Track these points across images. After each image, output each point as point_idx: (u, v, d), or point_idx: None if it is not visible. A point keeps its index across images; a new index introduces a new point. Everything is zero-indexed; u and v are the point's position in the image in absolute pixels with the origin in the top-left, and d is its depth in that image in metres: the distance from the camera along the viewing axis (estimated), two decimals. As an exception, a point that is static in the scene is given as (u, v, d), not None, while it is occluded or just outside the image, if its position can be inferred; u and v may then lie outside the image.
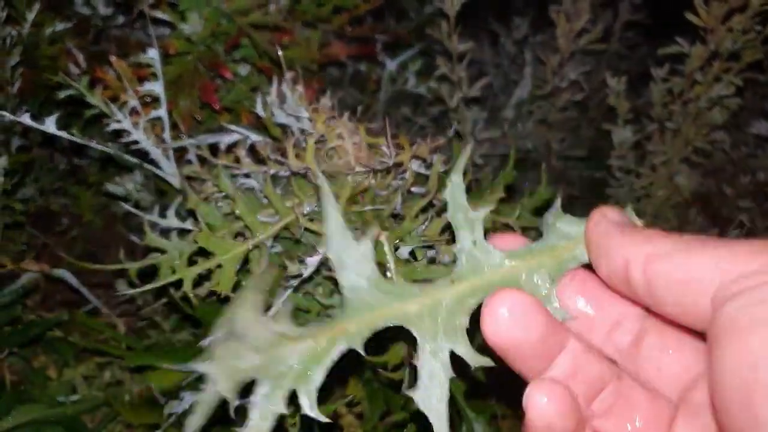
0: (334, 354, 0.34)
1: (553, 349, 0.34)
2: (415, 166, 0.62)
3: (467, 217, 0.37)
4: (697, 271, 0.29)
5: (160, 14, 0.88)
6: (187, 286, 0.60)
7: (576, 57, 1.20)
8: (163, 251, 0.63)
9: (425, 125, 1.23)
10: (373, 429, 0.69)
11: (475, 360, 0.35)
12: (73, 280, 0.89)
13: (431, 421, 0.34)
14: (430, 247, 0.60)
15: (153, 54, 0.75)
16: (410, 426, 0.63)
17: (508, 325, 0.33)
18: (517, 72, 1.37)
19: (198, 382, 0.68)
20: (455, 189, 0.37)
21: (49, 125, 0.68)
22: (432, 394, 0.34)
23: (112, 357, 0.84)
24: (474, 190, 0.74)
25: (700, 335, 0.34)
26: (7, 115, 0.72)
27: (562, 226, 0.37)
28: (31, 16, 0.96)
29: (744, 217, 1.06)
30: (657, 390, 0.35)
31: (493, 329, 0.33)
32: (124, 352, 0.80)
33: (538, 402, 0.33)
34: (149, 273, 0.65)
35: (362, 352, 0.34)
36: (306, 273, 0.58)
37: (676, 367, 0.35)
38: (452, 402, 0.57)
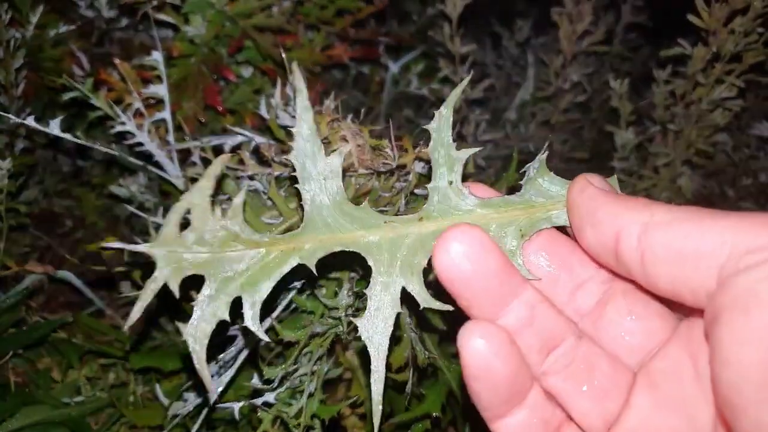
0: (286, 268, 0.33)
1: (507, 295, 0.33)
2: (419, 167, 0.62)
3: (449, 154, 0.36)
4: (702, 242, 0.27)
5: (163, 17, 0.88)
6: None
7: (578, 59, 1.20)
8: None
9: (428, 127, 1.23)
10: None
11: (426, 301, 0.34)
12: (77, 282, 0.89)
13: (369, 351, 0.33)
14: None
15: (157, 56, 0.76)
16: (415, 427, 0.63)
17: (460, 259, 0.31)
18: (519, 74, 1.37)
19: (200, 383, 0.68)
20: (443, 123, 0.37)
21: (54, 127, 0.68)
22: (376, 325, 0.33)
23: (116, 358, 0.84)
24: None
25: (668, 302, 0.34)
26: (12, 118, 0.72)
27: (543, 182, 0.36)
28: (34, 19, 0.97)
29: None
30: (617, 356, 0.34)
31: (444, 261, 0.31)
32: (129, 354, 0.80)
33: (471, 343, 0.31)
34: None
35: (314, 271, 0.33)
36: (310, 274, 0.58)
37: (638, 334, 0.34)
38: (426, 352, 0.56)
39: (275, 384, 0.60)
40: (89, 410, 0.80)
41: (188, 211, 0.33)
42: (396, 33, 1.31)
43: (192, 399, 0.66)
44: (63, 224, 1.08)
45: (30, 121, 0.68)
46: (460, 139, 1.12)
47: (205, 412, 0.62)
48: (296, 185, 0.34)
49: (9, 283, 0.88)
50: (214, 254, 0.32)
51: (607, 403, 0.33)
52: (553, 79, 1.19)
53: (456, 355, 0.59)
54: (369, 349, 0.33)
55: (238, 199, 0.33)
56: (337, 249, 0.34)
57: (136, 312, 0.32)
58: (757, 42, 0.88)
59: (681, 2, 0.92)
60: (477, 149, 0.38)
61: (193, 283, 0.35)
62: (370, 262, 0.34)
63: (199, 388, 0.66)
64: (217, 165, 0.33)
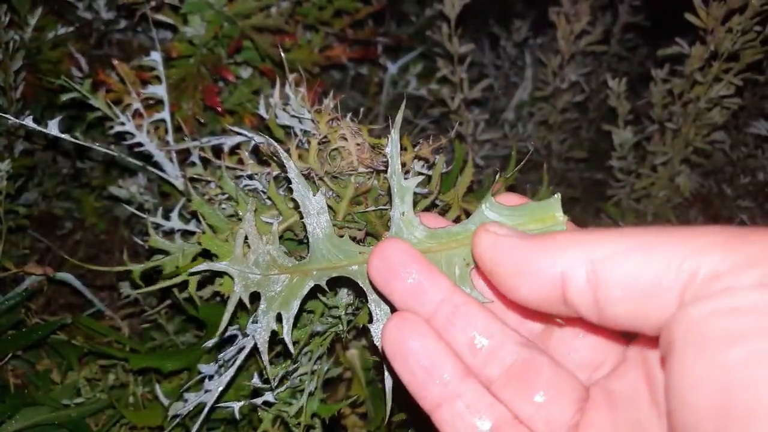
0: (305, 290, 0.40)
1: (432, 296, 0.34)
2: (418, 166, 0.62)
3: (399, 184, 0.38)
4: (658, 273, 0.25)
5: (162, 17, 0.88)
6: (191, 288, 0.60)
7: (576, 59, 1.21)
8: (166, 253, 0.64)
9: (426, 127, 1.24)
10: (376, 429, 0.69)
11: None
12: (76, 283, 0.89)
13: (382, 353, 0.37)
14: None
15: (155, 57, 0.76)
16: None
17: (387, 270, 0.35)
18: (517, 74, 1.38)
19: (201, 383, 0.68)
20: (393, 148, 0.39)
21: (52, 128, 0.68)
22: (379, 333, 0.38)
23: (116, 359, 0.84)
24: (476, 191, 0.74)
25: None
26: (11, 119, 0.73)
27: (486, 211, 0.36)
28: (33, 21, 0.97)
29: (745, 216, 1.07)
30: (570, 371, 0.34)
31: (374, 266, 0.35)
32: (128, 355, 0.80)
33: (387, 326, 0.34)
34: (153, 276, 0.65)
35: (325, 288, 0.40)
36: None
37: (587, 350, 0.34)
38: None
39: (275, 383, 0.60)
40: (89, 412, 0.80)
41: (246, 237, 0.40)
42: (394, 34, 1.31)
43: (192, 399, 0.66)
44: (62, 226, 1.08)
45: (29, 122, 0.68)
46: (459, 139, 1.13)
47: (205, 412, 0.62)
48: (303, 220, 0.40)
49: (8, 285, 0.88)
50: (264, 276, 0.40)
51: (554, 410, 0.32)
52: (551, 79, 1.20)
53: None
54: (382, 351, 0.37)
55: (274, 227, 0.41)
56: (335, 275, 0.40)
57: (223, 324, 0.41)
58: (754, 40, 0.88)
59: (678, 2, 0.92)
60: (420, 178, 0.40)
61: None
62: (360, 284, 0.39)
63: (200, 387, 0.66)
64: (253, 204, 0.41)
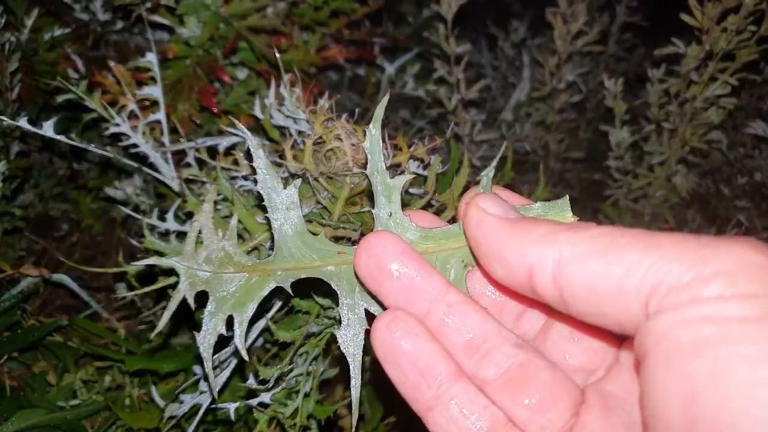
0: (265, 291, 0.36)
1: (428, 296, 0.33)
2: (413, 166, 0.62)
3: (384, 182, 0.35)
4: (620, 279, 0.26)
5: (158, 19, 0.88)
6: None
7: (573, 59, 1.21)
8: (162, 254, 0.64)
9: (424, 127, 1.24)
10: (373, 430, 0.69)
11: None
12: (73, 285, 0.89)
13: (348, 360, 0.36)
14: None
15: (151, 58, 0.76)
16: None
17: (376, 266, 0.33)
18: (515, 74, 1.38)
19: (197, 385, 0.68)
20: (374, 144, 0.35)
21: (47, 129, 0.68)
22: (349, 339, 0.36)
23: (112, 361, 0.84)
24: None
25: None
26: (6, 120, 0.72)
27: None
28: (29, 22, 0.97)
29: (742, 216, 1.07)
30: (566, 374, 0.33)
31: (362, 262, 0.33)
32: (124, 356, 0.80)
33: (377, 326, 0.32)
34: (149, 278, 0.65)
35: (290, 291, 0.36)
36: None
37: (581, 355, 0.34)
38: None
39: (271, 384, 0.60)
40: (85, 413, 0.80)
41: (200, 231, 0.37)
42: (391, 34, 1.31)
43: (188, 401, 0.66)
44: (59, 227, 1.08)
45: (24, 123, 0.68)
46: (456, 140, 1.13)
47: (200, 413, 0.62)
48: (266, 215, 0.37)
49: (4, 287, 0.88)
50: (215, 274, 0.36)
51: (550, 415, 0.32)
52: (549, 80, 1.20)
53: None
54: (347, 358, 0.35)
55: (233, 221, 0.36)
56: (304, 276, 0.36)
57: (163, 322, 0.37)
58: (749, 40, 0.88)
59: (675, 2, 0.92)
60: (410, 176, 0.37)
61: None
62: (334, 287, 0.36)
63: (197, 388, 0.66)
64: (213, 192, 0.37)
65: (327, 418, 0.61)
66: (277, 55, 0.68)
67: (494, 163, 0.36)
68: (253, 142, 0.37)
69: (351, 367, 0.35)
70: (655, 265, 0.25)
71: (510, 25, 1.41)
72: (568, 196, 0.34)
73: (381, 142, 0.36)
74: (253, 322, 0.64)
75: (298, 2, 0.98)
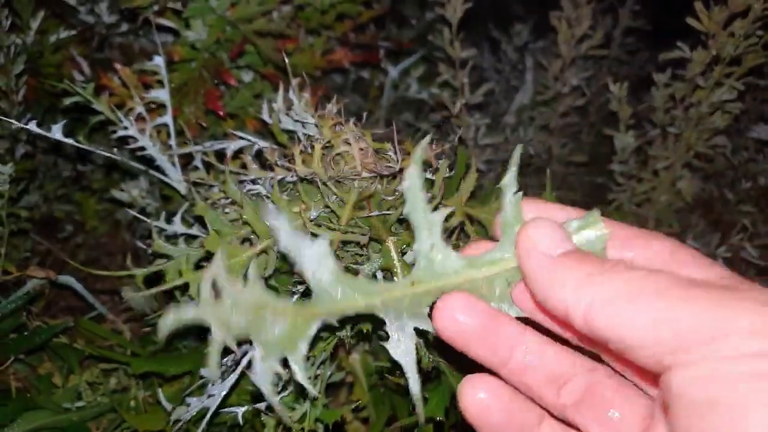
0: (313, 330, 0.36)
1: (505, 344, 0.35)
2: (421, 171, 0.62)
3: (426, 217, 0.35)
4: (641, 328, 0.27)
5: (164, 22, 0.89)
6: (193, 290, 0.60)
7: (577, 63, 1.21)
8: (169, 257, 0.64)
9: (427, 131, 1.24)
10: (379, 434, 0.69)
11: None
12: (78, 287, 0.89)
13: (404, 369, 0.36)
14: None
15: (158, 61, 0.76)
16: (418, 430, 0.63)
17: (453, 324, 0.34)
18: (518, 78, 1.38)
19: (204, 388, 0.68)
20: (413, 183, 0.35)
21: (56, 132, 0.68)
22: (401, 353, 0.36)
23: (118, 363, 0.84)
24: (477, 196, 0.74)
25: None
26: (13, 122, 0.73)
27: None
28: (35, 24, 0.97)
29: (746, 221, 1.07)
30: (636, 390, 0.34)
31: (441, 327, 0.35)
32: (130, 359, 0.80)
33: (468, 395, 0.35)
34: (155, 280, 0.65)
35: (336, 325, 0.36)
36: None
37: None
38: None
39: (278, 388, 0.60)
40: (90, 415, 0.80)
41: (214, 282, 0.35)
42: (396, 37, 1.32)
43: (194, 403, 0.66)
44: (64, 229, 1.08)
45: (32, 126, 0.68)
46: (461, 143, 1.13)
47: (208, 416, 0.62)
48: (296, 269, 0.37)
49: (10, 288, 0.88)
50: (251, 320, 0.35)
51: (623, 427, 0.33)
52: (552, 83, 1.20)
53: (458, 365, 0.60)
54: (404, 367, 0.36)
55: (252, 271, 0.35)
56: (349, 314, 0.36)
57: (213, 364, 0.34)
58: (756, 45, 0.88)
59: (679, 6, 0.92)
60: (450, 209, 0.38)
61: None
62: (380, 316, 0.37)
63: (203, 392, 0.66)
64: (222, 255, 0.35)
65: (334, 422, 0.61)
66: (286, 59, 0.68)
67: (513, 173, 0.36)
68: (270, 206, 0.37)
69: (405, 370, 0.37)
70: (677, 319, 0.26)
71: (513, 29, 1.41)
72: (598, 210, 0.34)
73: (421, 180, 0.35)
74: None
75: (303, 6, 0.98)
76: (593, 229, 0.34)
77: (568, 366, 0.35)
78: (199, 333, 0.87)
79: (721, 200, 1.14)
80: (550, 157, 1.26)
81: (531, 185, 1.17)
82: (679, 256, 0.32)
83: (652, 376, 0.34)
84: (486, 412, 0.35)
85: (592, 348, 0.35)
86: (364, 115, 0.72)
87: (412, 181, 0.35)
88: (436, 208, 0.63)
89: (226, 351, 0.61)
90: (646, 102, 1.07)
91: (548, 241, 0.32)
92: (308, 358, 0.61)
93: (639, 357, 0.27)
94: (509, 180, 0.35)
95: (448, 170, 0.63)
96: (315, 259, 0.36)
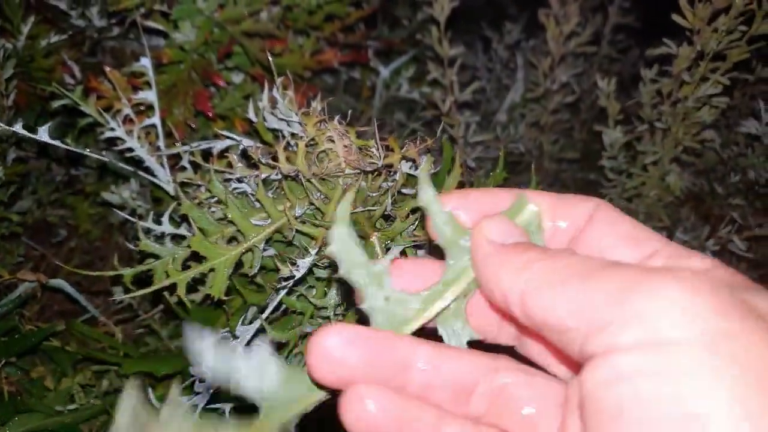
0: None
1: (400, 366, 0.31)
2: (405, 167, 0.62)
3: (370, 273, 0.32)
4: (564, 315, 0.26)
5: (152, 24, 0.89)
6: (180, 290, 0.60)
7: (567, 60, 1.22)
8: (158, 257, 0.64)
9: (419, 130, 1.24)
10: None
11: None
12: (70, 290, 0.89)
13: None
14: (420, 247, 0.61)
15: (145, 62, 0.76)
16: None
17: (329, 364, 0.30)
18: (509, 76, 1.38)
19: (193, 387, 0.68)
20: (340, 246, 0.31)
21: (42, 134, 0.69)
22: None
23: (110, 365, 0.84)
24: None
25: None
26: (3, 126, 0.73)
27: (465, 242, 0.32)
28: (26, 29, 0.97)
29: (735, 214, 1.07)
30: (548, 376, 0.32)
31: (319, 377, 0.30)
32: (122, 360, 0.80)
33: (351, 407, 0.30)
34: (146, 281, 0.66)
35: None
36: (299, 275, 0.58)
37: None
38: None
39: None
40: (83, 418, 0.80)
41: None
42: (386, 37, 1.32)
43: (184, 402, 0.66)
44: (56, 233, 1.09)
45: (19, 129, 0.68)
46: (451, 142, 1.13)
47: (197, 413, 0.62)
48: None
49: (2, 292, 0.88)
50: None
51: (542, 419, 0.31)
52: (542, 81, 1.20)
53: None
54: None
55: (173, 397, 0.29)
56: (310, 409, 0.33)
57: None
58: (740, 40, 0.89)
59: (667, 3, 0.93)
60: (398, 248, 0.36)
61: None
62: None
63: (192, 390, 0.66)
64: (134, 389, 0.29)
65: (322, 419, 0.62)
66: (270, 58, 0.68)
67: (428, 193, 0.33)
68: (188, 327, 0.31)
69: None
70: (591, 304, 0.25)
71: (504, 28, 1.41)
72: (523, 191, 0.33)
73: (352, 238, 0.32)
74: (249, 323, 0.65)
75: (292, 6, 0.99)
76: (524, 211, 0.33)
77: (469, 371, 0.32)
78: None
79: (711, 194, 1.14)
80: (542, 154, 1.26)
81: (522, 182, 1.17)
82: (618, 228, 0.31)
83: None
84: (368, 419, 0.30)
85: (537, 341, 0.34)
86: (354, 114, 0.72)
87: (339, 243, 0.31)
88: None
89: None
90: (636, 98, 1.07)
91: (497, 231, 0.31)
92: (296, 355, 0.61)
93: (566, 345, 0.26)
94: (433, 209, 0.32)
95: (433, 166, 0.64)
96: (256, 372, 0.31)
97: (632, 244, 0.30)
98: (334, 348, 0.29)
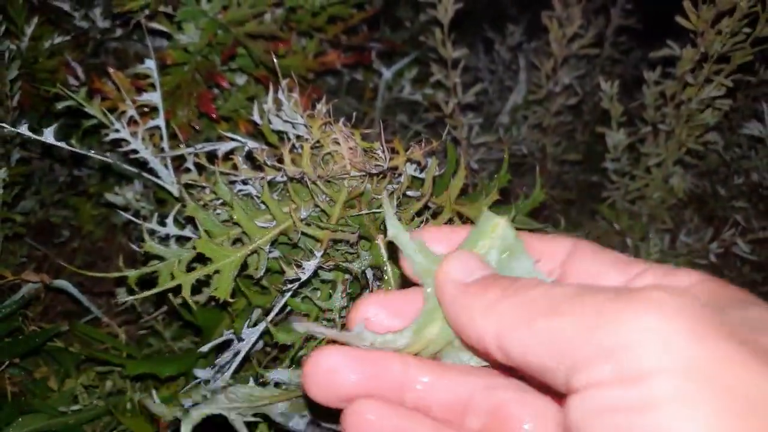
0: None
1: (399, 388, 0.31)
2: (410, 169, 0.62)
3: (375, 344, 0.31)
4: (542, 354, 0.25)
5: (156, 26, 0.89)
6: (185, 292, 0.60)
7: (569, 62, 1.22)
8: (162, 259, 0.64)
9: (421, 131, 1.25)
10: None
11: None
12: (73, 291, 0.89)
13: None
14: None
15: (150, 64, 0.76)
16: None
17: (325, 386, 0.30)
18: (511, 78, 1.38)
19: (197, 388, 0.68)
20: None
21: (48, 136, 0.69)
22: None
23: (113, 366, 0.84)
24: (470, 194, 0.74)
25: None
26: (7, 127, 0.73)
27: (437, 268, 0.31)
28: (29, 30, 0.98)
29: (739, 216, 1.07)
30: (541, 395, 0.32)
31: (314, 393, 0.31)
32: (125, 361, 0.80)
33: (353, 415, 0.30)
34: (149, 283, 0.66)
35: None
36: (304, 277, 0.58)
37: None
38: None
39: (271, 387, 0.60)
40: (86, 419, 0.80)
41: None
42: (389, 39, 1.32)
43: (188, 405, 0.66)
44: (60, 234, 1.09)
45: (24, 130, 0.68)
46: (454, 143, 1.13)
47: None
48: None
49: (5, 293, 0.88)
50: None
51: None
52: (545, 83, 1.20)
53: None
54: None
55: None
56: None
57: None
58: (744, 42, 0.89)
59: (670, 5, 0.93)
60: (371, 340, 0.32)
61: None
62: None
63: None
64: None
65: (327, 421, 0.62)
66: (275, 60, 0.68)
67: (396, 228, 0.33)
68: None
69: None
70: (568, 341, 0.24)
71: (506, 29, 1.42)
72: (486, 209, 0.33)
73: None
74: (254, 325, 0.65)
75: (295, 8, 0.99)
76: (495, 227, 0.31)
77: (463, 389, 0.31)
78: (196, 333, 0.87)
79: (714, 196, 1.14)
80: (544, 156, 1.26)
81: (525, 184, 1.17)
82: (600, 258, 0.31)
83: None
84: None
85: (525, 381, 0.32)
86: (356, 116, 0.72)
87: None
88: (426, 206, 0.63)
89: (220, 348, 0.61)
90: (638, 100, 1.07)
91: (460, 270, 0.30)
92: (300, 357, 0.61)
93: (551, 381, 0.26)
94: (402, 240, 0.32)
95: (438, 168, 0.64)
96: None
97: (620, 267, 0.30)
98: (334, 369, 0.30)
